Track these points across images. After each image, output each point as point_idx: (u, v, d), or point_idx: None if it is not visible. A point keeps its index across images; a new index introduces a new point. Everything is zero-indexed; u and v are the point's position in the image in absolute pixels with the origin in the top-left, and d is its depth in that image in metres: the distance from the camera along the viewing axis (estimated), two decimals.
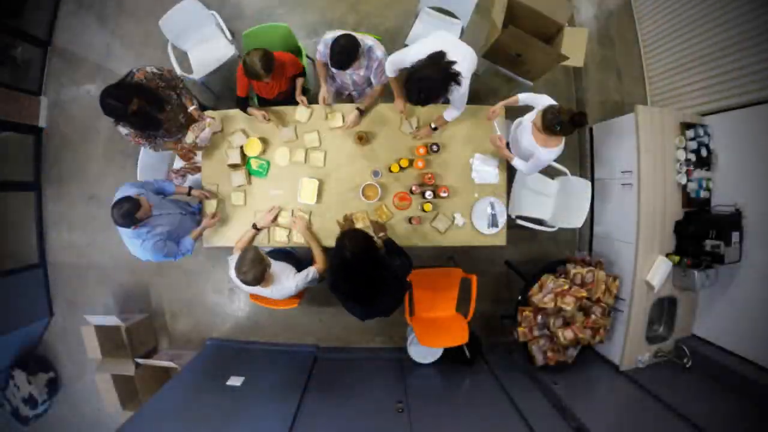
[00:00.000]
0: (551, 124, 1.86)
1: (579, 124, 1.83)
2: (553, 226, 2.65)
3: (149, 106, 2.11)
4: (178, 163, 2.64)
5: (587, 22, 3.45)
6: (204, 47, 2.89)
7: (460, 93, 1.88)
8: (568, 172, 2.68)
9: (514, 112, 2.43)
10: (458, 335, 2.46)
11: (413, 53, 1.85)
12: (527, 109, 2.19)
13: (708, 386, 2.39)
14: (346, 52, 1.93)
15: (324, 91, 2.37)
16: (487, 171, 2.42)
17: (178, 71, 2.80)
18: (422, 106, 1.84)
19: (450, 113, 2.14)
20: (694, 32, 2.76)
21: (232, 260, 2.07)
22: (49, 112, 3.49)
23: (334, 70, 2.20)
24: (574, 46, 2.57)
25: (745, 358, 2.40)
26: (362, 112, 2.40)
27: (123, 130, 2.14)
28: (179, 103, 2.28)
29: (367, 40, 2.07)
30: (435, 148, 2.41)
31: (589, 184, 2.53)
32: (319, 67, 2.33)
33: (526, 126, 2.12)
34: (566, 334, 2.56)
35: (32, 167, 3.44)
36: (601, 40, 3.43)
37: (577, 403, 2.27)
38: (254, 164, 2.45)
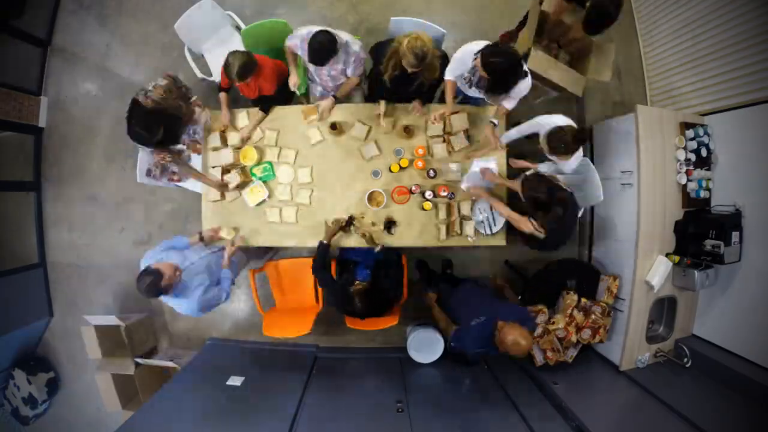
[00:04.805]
0: (557, 146, 1.95)
1: (582, 141, 1.94)
2: (580, 207, 2.60)
3: (171, 127, 2.09)
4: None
5: None
6: (222, 49, 2.77)
7: (525, 84, 1.97)
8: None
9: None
10: (302, 325, 2.54)
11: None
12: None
13: (708, 386, 2.39)
14: (324, 49, 1.93)
15: (322, 104, 2.37)
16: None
17: (199, 75, 2.78)
18: (500, 94, 2.00)
19: (510, 103, 2.16)
20: (693, 32, 2.76)
21: None
22: (49, 112, 3.48)
23: (311, 66, 2.22)
24: (602, 61, 2.45)
25: (745, 358, 2.40)
26: (336, 100, 2.40)
27: (144, 155, 2.14)
28: (190, 111, 2.25)
29: (343, 35, 2.08)
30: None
31: (587, 159, 2.46)
32: (288, 55, 2.31)
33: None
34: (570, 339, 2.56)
35: (32, 167, 3.44)
36: None
37: (577, 403, 2.26)
38: (258, 172, 2.44)
